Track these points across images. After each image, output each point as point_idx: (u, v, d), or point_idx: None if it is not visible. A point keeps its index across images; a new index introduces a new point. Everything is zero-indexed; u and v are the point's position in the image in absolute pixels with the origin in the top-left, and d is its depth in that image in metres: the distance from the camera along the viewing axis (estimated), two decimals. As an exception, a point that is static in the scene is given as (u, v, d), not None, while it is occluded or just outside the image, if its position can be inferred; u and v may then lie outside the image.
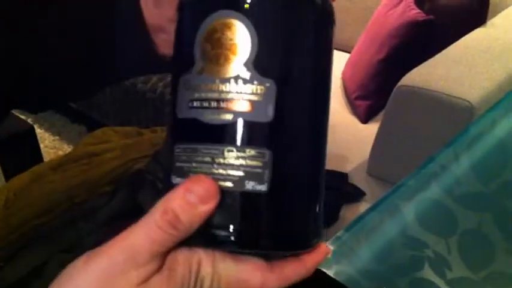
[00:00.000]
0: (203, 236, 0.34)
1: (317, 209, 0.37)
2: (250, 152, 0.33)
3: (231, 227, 0.33)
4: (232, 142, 0.33)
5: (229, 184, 0.33)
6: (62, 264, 0.32)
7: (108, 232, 0.98)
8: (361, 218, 0.72)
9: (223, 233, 0.33)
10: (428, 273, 0.70)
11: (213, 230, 0.33)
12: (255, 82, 0.34)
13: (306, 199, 0.36)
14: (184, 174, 0.34)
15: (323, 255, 0.38)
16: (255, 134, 0.34)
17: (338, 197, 1.36)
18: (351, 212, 1.39)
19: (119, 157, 1.06)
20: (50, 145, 2.54)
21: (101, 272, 0.32)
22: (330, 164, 1.59)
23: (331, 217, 1.33)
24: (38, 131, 2.53)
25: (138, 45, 0.50)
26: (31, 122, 2.51)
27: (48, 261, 0.89)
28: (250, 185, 0.33)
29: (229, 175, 0.33)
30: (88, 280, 0.32)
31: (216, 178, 0.33)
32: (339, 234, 0.70)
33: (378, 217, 0.73)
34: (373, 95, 1.76)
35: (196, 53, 0.35)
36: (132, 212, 0.90)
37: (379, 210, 0.73)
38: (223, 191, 0.33)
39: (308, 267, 0.37)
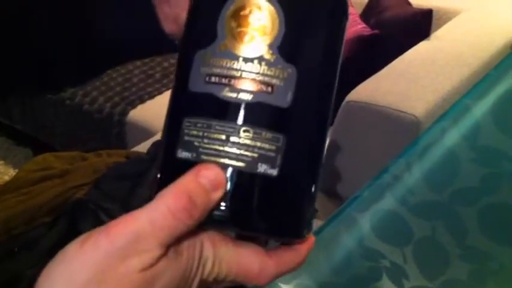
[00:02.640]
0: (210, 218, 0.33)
1: (314, 200, 0.37)
2: (266, 134, 0.33)
3: (237, 207, 0.33)
4: (250, 122, 0.33)
5: (241, 164, 0.33)
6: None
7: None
8: (319, 231, 0.71)
9: (226, 212, 0.33)
10: (386, 283, 0.70)
11: (216, 211, 0.33)
12: (279, 66, 0.34)
13: (307, 189, 0.36)
14: (193, 148, 0.34)
15: (313, 245, 0.38)
16: (273, 117, 0.34)
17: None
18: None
19: (58, 185, 1.02)
20: (-4, 170, 2.45)
21: (99, 254, 0.29)
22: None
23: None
24: (-18, 156, 2.44)
25: (142, 19, 0.47)
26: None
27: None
28: (262, 168, 0.33)
29: (242, 155, 0.33)
30: (84, 265, 0.29)
31: (228, 156, 0.33)
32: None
33: (335, 229, 0.73)
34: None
35: (219, 28, 0.35)
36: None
37: (336, 222, 0.73)
38: (234, 171, 0.33)
39: (303, 256, 0.37)
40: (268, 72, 0.34)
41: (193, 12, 0.38)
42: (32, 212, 0.95)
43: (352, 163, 1.44)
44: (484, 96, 0.86)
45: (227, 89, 0.34)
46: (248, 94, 0.34)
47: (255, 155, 0.33)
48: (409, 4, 1.92)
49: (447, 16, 1.89)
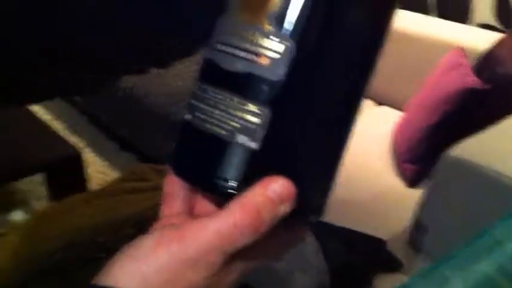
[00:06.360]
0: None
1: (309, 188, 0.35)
2: (250, 106, 0.33)
3: (217, 174, 0.34)
4: (236, 92, 0.33)
5: (222, 132, 0.33)
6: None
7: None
8: (407, 286, 0.69)
9: (213, 180, 0.34)
10: None
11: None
12: (276, 38, 0.33)
13: (296, 172, 0.35)
14: (192, 111, 0.35)
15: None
16: (260, 89, 0.33)
17: (373, 264, 1.31)
18: (386, 282, 1.33)
19: (149, 199, 1.06)
20: (99, 170, 2.58)
21: (172, 260, 0.32)
22: (368, 228, 1.54)
23: (364, 284, 1.28)
24: (88, 155, 2.58)
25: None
26: (82, 146, 2.58)
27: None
28: (241, 139, 0.33)
29: (225, 123, 0.33)
30: (158, 269, 0.32)
31: (214, 123, 0.34)
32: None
33: (426, 286, 0.70)
34: (421, 160, 1.71)
35: None
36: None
37: (427, 279, 0.70)
38: (216, 137, 0.33)
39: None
40: (264, 44, 0.33)
41: None
42: (119, 221, 0.99)
43: (444, 219, 1.38)
44: None
45: (223, 56, 0.34)
46: (241, 63, 0.33)
47: (236, 125, 0.33)
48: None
49: None
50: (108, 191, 1.17)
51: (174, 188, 0.39)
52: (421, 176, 1.72)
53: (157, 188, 1.15)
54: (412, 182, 1.74)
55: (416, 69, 2.10)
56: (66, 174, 1.86)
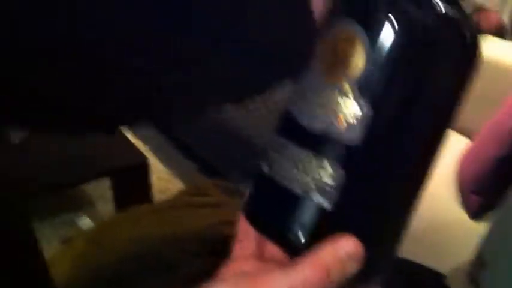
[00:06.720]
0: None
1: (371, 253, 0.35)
2: (326, 167, 0.33)
3: (288, 227, 0.34)
4: (313, 150, 0.34)
5: (297, 188, 0.34)
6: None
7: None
8: None
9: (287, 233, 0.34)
10: None
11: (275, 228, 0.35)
12: (355, 103, 0.32)
13: (366, 234, 0.35)
14: (269, 162, 0.36)
15: None
16: (336, 152, 0.33)
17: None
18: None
19: (212, 216, 1.08)
20: (162, 177, 2.64)
21: None
22: (428, 259, 1.50)
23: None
24: (154, 161, 2.64)
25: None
26: (149, 152, 2.64)
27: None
28: (314, 197, 0.33)
29: (300, 180, 0.34)
30: None
31: (289, 178, 0.34)
32: None
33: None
34: (487, 193, 1.66)
35: (316, 52, 0.35)
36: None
37: None
38: (289, 192, 0.34)
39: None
40: (343, 106, 0.33)
41: None
42: (183, 236, 1.01)
43: (507, 256, 1.34)
44: None
45: (302, 114, 0.34)
46: (320, 123, 0.33)
47: (312, 185, 0.33)
48: None
49: None
50: (174, 204, 1.20)
51: (247, 230, 0.40)
52: (486, 208, 1.67)
53: (219, 205, 1.17)
54: (476, 214, 1.70)
55: (489, 95, 2.04)
56: (132, 180, 1.92)
